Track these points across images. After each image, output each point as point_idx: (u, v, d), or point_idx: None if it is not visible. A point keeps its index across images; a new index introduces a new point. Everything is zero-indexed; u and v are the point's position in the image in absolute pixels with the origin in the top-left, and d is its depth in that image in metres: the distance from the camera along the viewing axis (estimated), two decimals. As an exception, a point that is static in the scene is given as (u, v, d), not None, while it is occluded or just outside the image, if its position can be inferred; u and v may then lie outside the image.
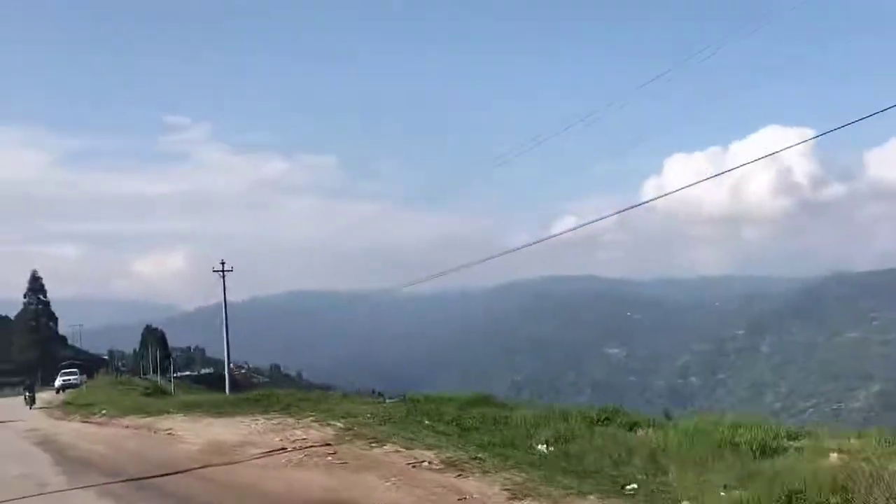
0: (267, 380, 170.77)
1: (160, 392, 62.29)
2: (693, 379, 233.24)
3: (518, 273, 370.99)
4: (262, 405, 23.42)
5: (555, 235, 33.55)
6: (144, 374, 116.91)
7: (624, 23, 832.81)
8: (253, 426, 18.95)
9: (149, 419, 24.28)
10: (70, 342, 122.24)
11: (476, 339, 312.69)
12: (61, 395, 53.64)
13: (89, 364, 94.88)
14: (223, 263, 47.42)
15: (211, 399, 29.93)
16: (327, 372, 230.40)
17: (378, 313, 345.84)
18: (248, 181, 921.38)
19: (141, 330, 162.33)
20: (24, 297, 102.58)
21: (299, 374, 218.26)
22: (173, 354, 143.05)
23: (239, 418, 20.87)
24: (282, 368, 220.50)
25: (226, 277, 46.20)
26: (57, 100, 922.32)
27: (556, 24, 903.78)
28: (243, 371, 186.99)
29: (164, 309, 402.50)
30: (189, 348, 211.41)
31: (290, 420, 19.29)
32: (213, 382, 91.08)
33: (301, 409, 21.55)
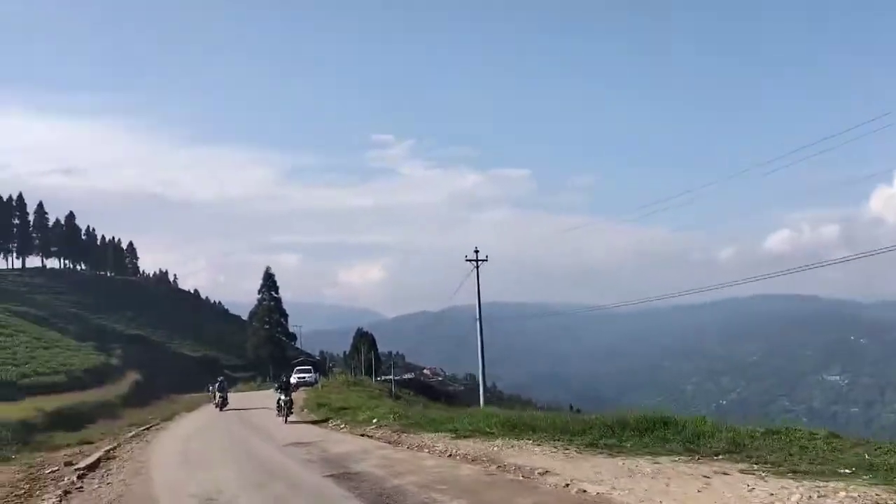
0: (462, 388, 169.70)
1: (397, 397, 55.83)
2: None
3: (726, 290, 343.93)
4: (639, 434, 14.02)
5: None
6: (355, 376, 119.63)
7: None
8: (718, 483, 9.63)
9: (473, 444, 15.81)
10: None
11: (678, 359, 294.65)
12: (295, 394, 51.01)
13: (315, 363, 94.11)
14: (477, 252, 40.23)
15: (531, 417, 18.70)
16: (520, 385, 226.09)
17: (575, 327, 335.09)
18: (444, 195, 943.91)
19: (345, 335, 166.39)
20: (259, 292, 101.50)
21: (494, 385, 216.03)
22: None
23: (638, 459, 11.89)
24: (477, 378, 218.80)
25: (476, 275, 40.03)
26: (278, 122, 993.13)
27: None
28: (440, 378, 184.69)
29: (366, 316, 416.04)
30: (390, 353, 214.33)
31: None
32: (419, 389, 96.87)
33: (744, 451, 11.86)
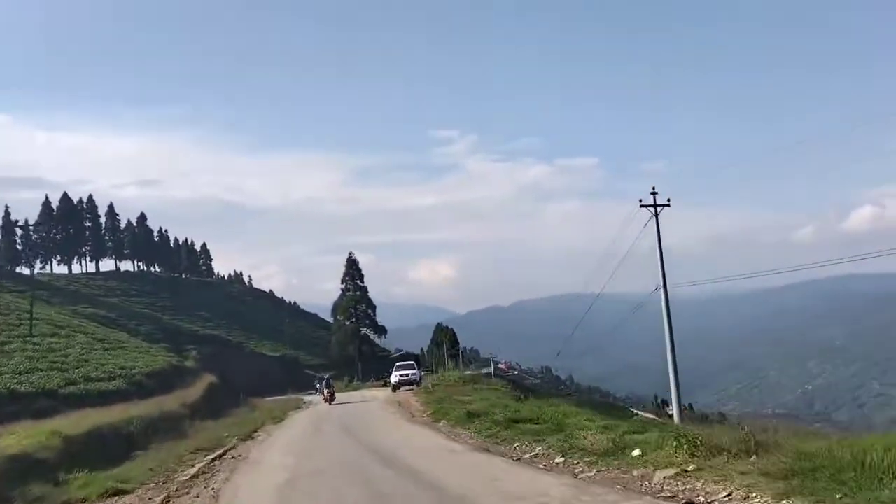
0: (538, 381, 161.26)
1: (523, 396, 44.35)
2: None
3: (809, 271, 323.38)
4: None
5: None
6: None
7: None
8: None
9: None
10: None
11: (761, 343, 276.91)
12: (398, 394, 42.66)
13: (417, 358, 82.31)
14: (654, 194, 29.04)
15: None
16: (595, 376, 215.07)
17: (647, 315, 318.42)
18: (511, 188, 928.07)
19: (418, 332, 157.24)
20: (342, 282, 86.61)
21: (570, 378, 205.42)
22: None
23: None
24: (553, 371, 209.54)
25: (656, 224, 27.16)
26: (343, 124, 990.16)
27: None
28: (515, 372, 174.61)
29: (437, 313, 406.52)
30: (463, 349, 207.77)
31: None
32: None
33: None
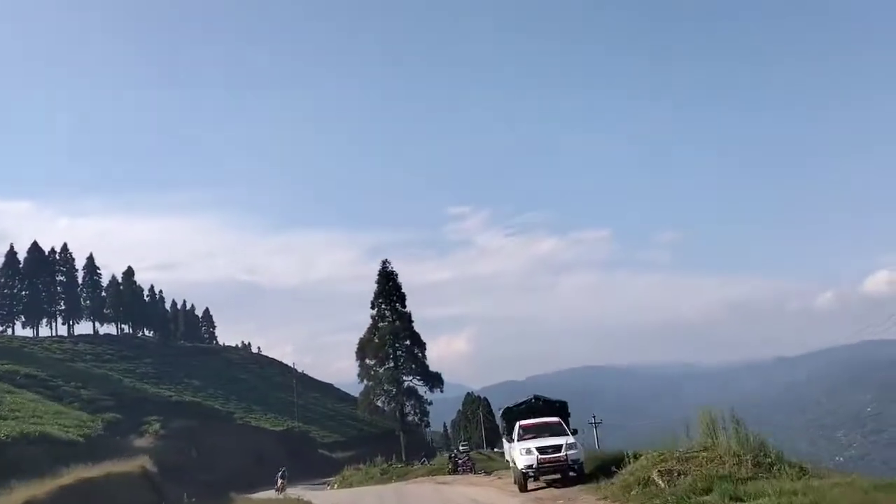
0: None
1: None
2: None
3: (827, 339, 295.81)
4: None
5: None
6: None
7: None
8: None
9: None
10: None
11: (788, 412, 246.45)
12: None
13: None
14: None
15: None
16: (624, 447, 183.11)
17: (674, 386, 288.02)
18: (524, 261, 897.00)
19: (435, 407, 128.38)
20: (372, 307, 50.78)
21: (598, 447, 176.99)
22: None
23: None
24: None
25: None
26: (358, 203, 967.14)
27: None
28: None
29: (453, 389, 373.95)
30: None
31: None
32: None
33: None
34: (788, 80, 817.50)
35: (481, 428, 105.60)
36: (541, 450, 18.90)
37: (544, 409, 23.59)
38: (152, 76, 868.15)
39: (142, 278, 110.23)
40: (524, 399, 24.65)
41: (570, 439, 19.65)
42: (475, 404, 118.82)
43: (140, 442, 45.32)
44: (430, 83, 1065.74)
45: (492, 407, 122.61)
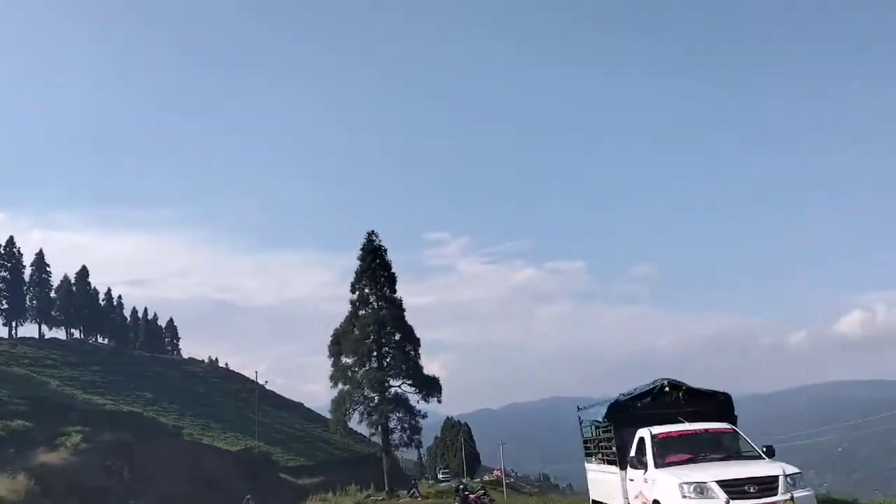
0: (536, 490, 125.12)
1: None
2: None
3: (800, 377, 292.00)
4: None
5: None
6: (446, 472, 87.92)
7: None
8: None
9: None
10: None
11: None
12: None
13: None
14: None
15: None
16: None
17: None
18: (502, 290, 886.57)
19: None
20: (352, 290, 40.95)
21: (570, 486, 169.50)
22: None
23: None
24: (551, 479, 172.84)
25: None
26: (334, 225, 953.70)
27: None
28: (511, 479, 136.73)
29: (427, 416, 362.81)
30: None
31: None
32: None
33: None
34: (769, 119, 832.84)
35: (461, 455, 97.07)
36: (732, 488, 9.31)
37: (692, 406, 12.73)
38: (130, 94, 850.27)
39: (109, 291, 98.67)
40: (646, 385, 13.66)
41: (788, 467, 10.07)
42: (454, 429, 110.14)
43: (48, 456, 35.75)
44: (409, 112, 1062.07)
45: (472, 433, 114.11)
